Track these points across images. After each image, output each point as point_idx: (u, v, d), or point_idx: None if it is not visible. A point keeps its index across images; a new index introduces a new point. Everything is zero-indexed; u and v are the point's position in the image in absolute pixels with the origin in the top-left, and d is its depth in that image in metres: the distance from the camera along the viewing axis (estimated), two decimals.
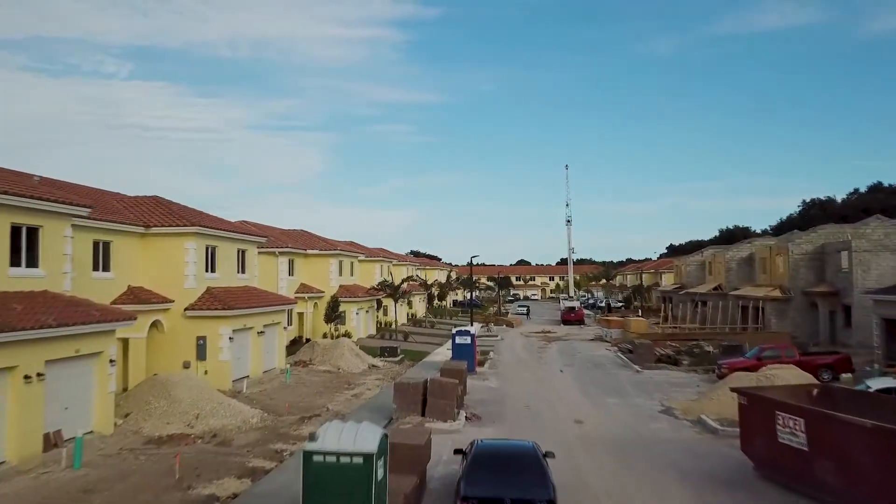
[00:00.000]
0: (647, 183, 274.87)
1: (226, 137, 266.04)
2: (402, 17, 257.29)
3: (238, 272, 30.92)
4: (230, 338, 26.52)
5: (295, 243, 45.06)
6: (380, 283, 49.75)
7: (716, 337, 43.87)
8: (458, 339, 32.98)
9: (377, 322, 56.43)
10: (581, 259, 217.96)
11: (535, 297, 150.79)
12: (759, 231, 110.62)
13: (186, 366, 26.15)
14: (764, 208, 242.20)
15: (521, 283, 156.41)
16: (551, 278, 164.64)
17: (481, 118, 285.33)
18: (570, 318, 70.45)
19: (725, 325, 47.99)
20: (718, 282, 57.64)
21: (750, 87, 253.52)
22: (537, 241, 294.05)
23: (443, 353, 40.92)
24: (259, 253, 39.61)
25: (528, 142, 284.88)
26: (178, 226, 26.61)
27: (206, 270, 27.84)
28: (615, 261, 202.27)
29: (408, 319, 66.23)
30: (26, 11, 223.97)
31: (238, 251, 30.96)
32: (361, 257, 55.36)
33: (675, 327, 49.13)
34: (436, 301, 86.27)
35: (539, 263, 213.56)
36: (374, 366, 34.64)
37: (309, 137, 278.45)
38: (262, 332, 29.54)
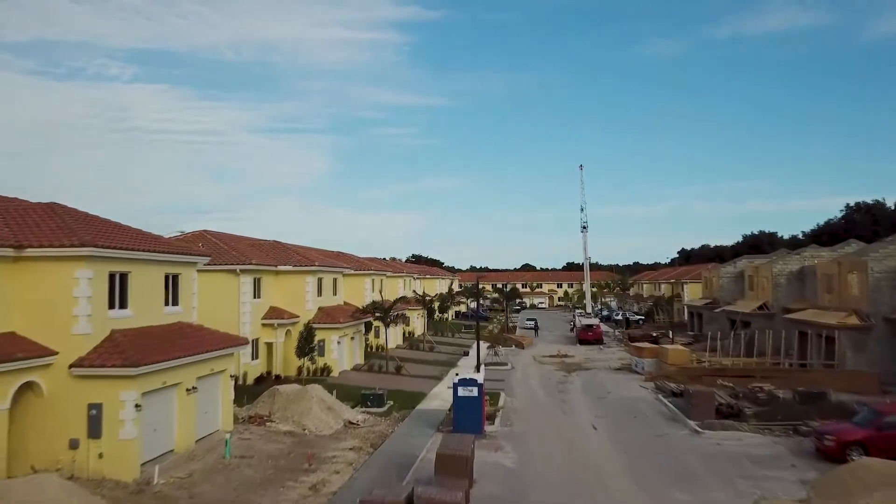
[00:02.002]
0: (652, 185, 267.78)
1: (229, 140, 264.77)
2: (405, 20, 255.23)
3: (166, 305, 23.06)
4: (137, 405, 18.63)
5: (263, 258, 37.19)
6: (367, 306, 41.76)
7: (777, 374, 35.84)
8: (462, 391, 25.05)
9: (366, 347, 48.55)
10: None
11: (542, 305, 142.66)
12: (785, 237, 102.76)
13: (74, 445, 18.32)
14: (785, 211, 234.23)
15: (528, 289, 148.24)
16: (559, 285, 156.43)
17: (485, 121, 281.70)
18: (588, 337, 62.47)
19: (784, 359, 39.90)
20: (763, 299, 49.61)
21: (769, 86, 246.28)
22: (543, 246, 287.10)
23: (443, 396, 33.07)
24: (213, 271, 31.98)
25: (532, 145, 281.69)
26: (63, 246, 18.74)
27: (111, 307, 19.99)
28: (620, 264, 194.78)
29: (404, 339, 58.33)
30: (31, 15, 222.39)
31: (166, 277, 23.10)
32: (348, 271, 47.55)
33: (710, 359, 41.02)
34: (437, 314, 78.39)
35: (544, 268, 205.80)
36: (351, 423, 26.70)
37: (313, 140, 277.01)
38: (193, 388, 21.65)
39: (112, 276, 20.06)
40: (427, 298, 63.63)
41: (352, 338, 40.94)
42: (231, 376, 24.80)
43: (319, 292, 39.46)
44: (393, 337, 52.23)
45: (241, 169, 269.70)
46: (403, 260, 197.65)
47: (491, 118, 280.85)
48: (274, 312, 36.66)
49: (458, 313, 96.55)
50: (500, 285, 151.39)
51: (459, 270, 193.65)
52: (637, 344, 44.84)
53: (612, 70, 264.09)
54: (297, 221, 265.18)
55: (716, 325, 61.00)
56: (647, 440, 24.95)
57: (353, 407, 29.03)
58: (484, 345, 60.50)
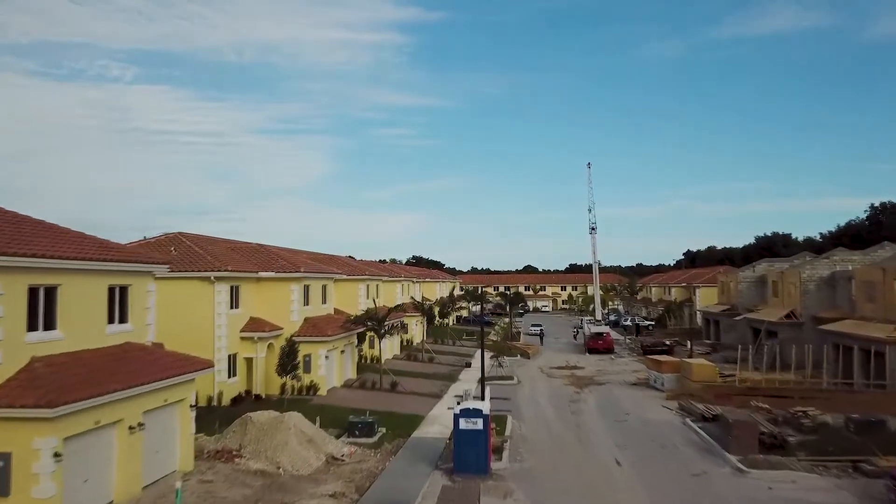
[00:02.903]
0: (654, 186, 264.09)
1: (231, 141, 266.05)
2: (406, 21, 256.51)
3: (110, 323, 19.28)
4: (56, 454, 14.84)
5: (242, 263, 33.41)
6: (359, 316, 37.87)
7: (819, 395, 31.96)
8: (465, 424, 21.21)
9: (360, 359, 44.78)
10: (590, 265, 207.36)
11: (546, 309, 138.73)
12: (800, 238, 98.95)
13: None
14: (790, 212, 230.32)
15: (531, 292, 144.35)
16: (563, 288, 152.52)
17: (485, 122, 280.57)
18: (599, 346, 58.61)
19: (826, 377, 35.93)
20: (790, 307, 45.75)
21: (770, 87, 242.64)
22: (545, 247, 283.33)
23: (443, 419, 29.29)
24: (183, 279, 28.34)
25: (532, 146, 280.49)
26: None
27: (31, 328, 16.23)
28: (623, 265, 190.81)
29: (402, 348, 54.55)
30: (32, 16, 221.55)
31: (111, 290, 19.33)
32: (340, 276, 43.76)
33: (741, 376, 37.10)
34: (437, 319, 74.58)
35: (546, 269, 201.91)
36: (335, 458, 22.87)
37: (314, 141, 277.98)
38: (139, 425, 17.84)
39: (33, 291, 16.28)
40: (426, 305, 59.83)
41: (342, 351, 37.12)
42: (192, 406, 20.99)
43: (306, 301, 35.66)
44: (389, 347, 48.51)
45: (241, 170, 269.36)
46: (403, 261, 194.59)
47: (491, 119, 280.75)
48: (254, 324, 32.88)
49: (459, 318, 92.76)
50: (502, 288, 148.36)
51: (460, 272, 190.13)
52: (655, 357, 40.94)
53: (613, 71, 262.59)
54: (297, 222, 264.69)
55: (734, 334, 57.31)
56: (683, 481, 21.11)
57: (338, 437, 25.22)
58: (486, 354, 56.78)
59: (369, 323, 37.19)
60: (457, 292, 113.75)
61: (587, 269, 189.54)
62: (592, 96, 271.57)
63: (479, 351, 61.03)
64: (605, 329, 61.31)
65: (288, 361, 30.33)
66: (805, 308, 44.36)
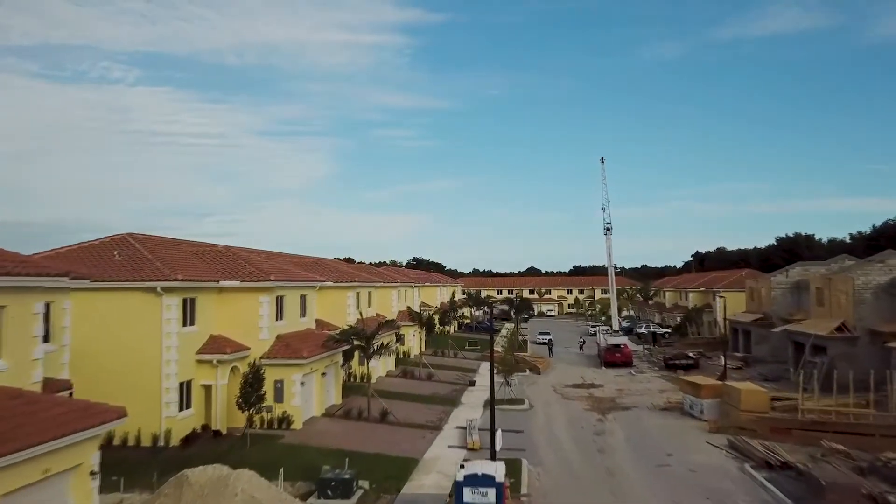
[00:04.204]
0: (657, 186, 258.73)
1: (232, 143, 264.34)
2: (407, 22, 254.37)
3: None
4: None
5: (201, 271, 27.72)
6: (342, 332, 31.89)
7: None
8: (471, 496, 15.48)
9: (348, 378, 39.12)
10: (594, 266, 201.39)
11: (551, 313, 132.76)
12: (823, 239, 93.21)
13: None
14: (794, 212, 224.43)
15: (535, 296, 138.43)
16: (569, 291, 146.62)
17: (486, 123, 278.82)
18: (616, 359, 52.83)
19: (892, 402, 30.08)
20: (839, 318, 39.92)
21: (769, 89, 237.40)
22: (548, 248, 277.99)
23: (442, 464, 23.66)
24: (123, 290, 22.88)
25: (535, 146, 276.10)
26: None
27: None
28: (627, 267, 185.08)
29: (397, 363, 48.81)
30: (35, 18, 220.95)
31: None
32: (325, 283, 38.10)
33: (804, 405, 31.22)
34: (437, 326, 68.83)
35: (549, 271, 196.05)
36: None
37: (315, 143, 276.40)
38: None
39: None
40: (424, 313, 54.11)
41: (323, 373, 31.36)
42: (93, 473, 15.23)
43: (279, 314, 29.93)
44: (383, 363, 42.77)
45: (242, 171, 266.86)
46: (404, 263, 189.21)
47: (492, 120, 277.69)
48: (214, 344, 27.15)
49: (461, 324, 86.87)
50: (506, 292, 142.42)
51: (461, 274, 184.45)
52: (690, 378, 35.05)
53: (614, 72, 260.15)
54: (298, 224, 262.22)
55: (766, 346, 51.64)
56: None
57: (305, 497, 19.49)
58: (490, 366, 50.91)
59: (355, 341, 31.39)
60: (458, 296, 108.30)
61: (592, 271, 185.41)
62: (593, 97, 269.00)
63: (482, 364, 55.62)
64: (622, 340, 55.50)
65: (251, 392, 24.60)
66: (859, 320, 38.58)
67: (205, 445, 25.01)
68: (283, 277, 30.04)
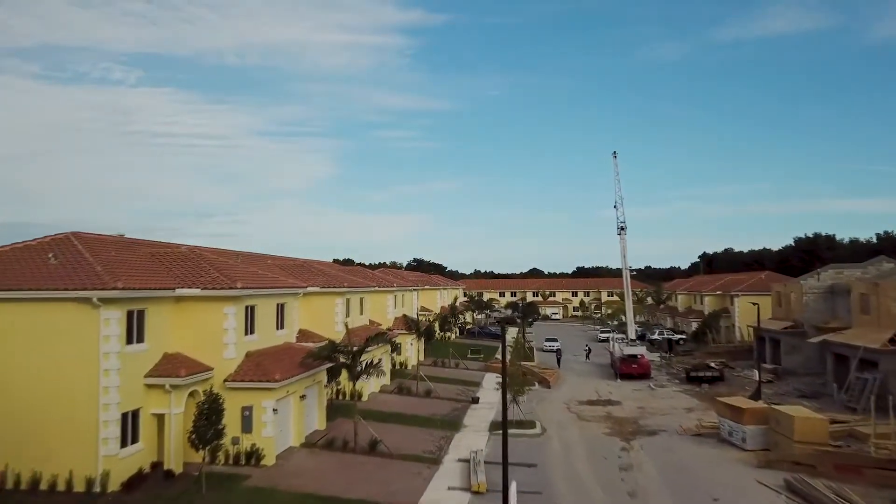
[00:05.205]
0: (658, 186, 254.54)
1: (233, 144, 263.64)
2: (408, 24, 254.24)
3: None
4: None
5: (153, 277, 23.24)
6: (322, 349, 27.14)
7: None
8: None
9: (335, 395, 34.67)
10: (598, 267, 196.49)
11: (556, 316, 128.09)
12: (845, 240, 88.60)
13: None
14: (796, 213, 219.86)
15: (539, 298, 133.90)
16: (574, 294, 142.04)
17: (488, 124, 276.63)
18: (633, 371, 48.32)
19: None
20: (891, 328, 35.37)
21: (767, 89, 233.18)
22: (550, 249, 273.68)
23: None
24: (48, 301, 18.52)
25: (535, 146, 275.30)
26: None
27: None
28: (631, 268, 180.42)
29: (393, 375, 44.26)
30: (36, 20, 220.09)
31: None
32: (310, 289, 33.67)
33: (877, 437, 26.66)
34: (437, 333, 64.37)
35: (552, 272, 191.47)
36: None
37: (316, 144, 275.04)
38: None
39: None
40: (424, 319, 49.66)
41: (302, 396, 26.80)
42: None
43: (250, 328, 25.46)
44: (375, 379, 38.26)
45: (243, 172, 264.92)
46: (404, 264, 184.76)
47: (494, 121, 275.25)
48: (168, 365, 22.62)
49: (463, 329, 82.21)
50: (509, 294, 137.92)
51: (463, 276, 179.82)
52: (728, 400, 30.27)
53: (614, 72, 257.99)
54: (299, 225, 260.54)
55: (799, 358, 47.15)
56: None
57: None
58: (494, 378, 46.30)
59: (340, 358, 26.77)
60: (461, 299, 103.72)
61: (595, 272, 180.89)
62: (593, 97, 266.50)
63: (486, 376, 51.08)
64: (639, 350, 50.89)
65: (207, 426, 20.06)
66: None
67: (152, 489, 20.51)
68: (255, 284, 25.52)
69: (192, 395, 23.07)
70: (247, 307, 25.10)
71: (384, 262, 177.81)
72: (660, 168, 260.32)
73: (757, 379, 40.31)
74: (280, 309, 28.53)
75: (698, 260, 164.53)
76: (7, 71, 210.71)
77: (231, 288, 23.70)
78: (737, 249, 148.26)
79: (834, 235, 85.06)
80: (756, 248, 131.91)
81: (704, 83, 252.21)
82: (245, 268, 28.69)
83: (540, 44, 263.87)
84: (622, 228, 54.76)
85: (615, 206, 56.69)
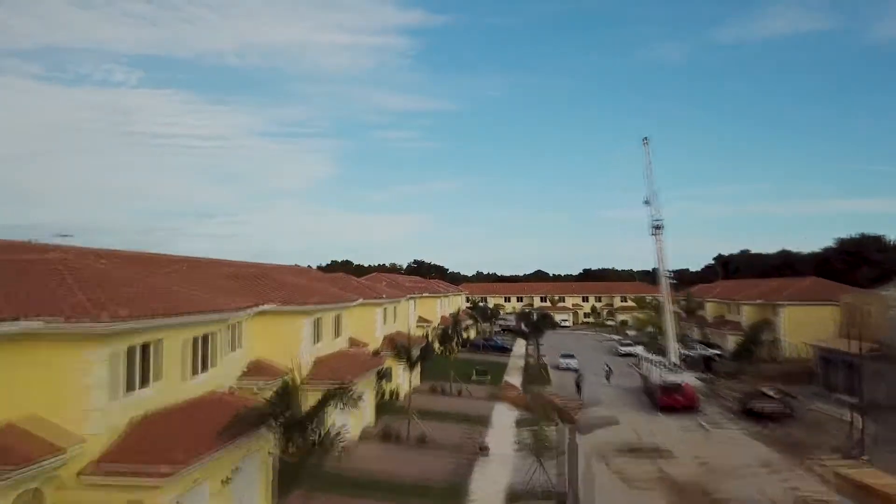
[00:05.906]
0: (663, 187, 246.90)
1: (234, 144, 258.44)
2: (409, 24, 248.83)
3: None
4: None
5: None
6: (248, 413, 17.68)
7: None
8: None
9: (304, 446, 25.55)
10: (604, 269, 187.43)
11: (566, 324, 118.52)
12: (891, 239, 79.47)
13: None
14: (799, 213, 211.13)
15: (548, 304, 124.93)
16: (585, 299, 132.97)
17: (489, 125, 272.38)
18: (676, 403, 39.29)
19: None
20: None
21: (767, 89, 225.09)
22: (554, 249, 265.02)
23: None
24: None
25: (535, 146, 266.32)
26: None
27: None
28: (635, 269, 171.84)
29: (378, 412, 35.28)
30: (37, 21, 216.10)
31: None
32: (267, 307, 24.86)
33: None
34: (437, 345, 55.52)
35: (558, 274, 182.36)
36: None
37: (316, 144, 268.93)
38: None
39: None
40: (417, 342, 40.76)
41: (224, 480, 17.75)
42: None
43: (145, 379, 16.53)
44: (357, 418, 29.41)
45: (244, 172, 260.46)
46: (404, 266, 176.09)
47: (494, 121, 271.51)
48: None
49: (466, 342, 73.14)
50: (514, 300, 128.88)
51: (465, 278, 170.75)
52: (853, 474, 21.06)
53: (615, 73, 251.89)
54: (299, 226, 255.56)
55: (883, 387, 38.05)
56: None
57: None
58: (506, 410, 36.72)
59: (278, 422, 17.59)
60: (464, 306, 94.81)
61: (602, 274, 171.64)
62: (594, 97, 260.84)
63: (496, 407, 42.05)
64: (682, 377, 41.73)
65: None
66: None
67: None
68: (147, 312, 16.52)
69: (33, 496, 14.15)
70: (135, 347, 16.16)
71: (384, 264, 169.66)
72: (660, 168, 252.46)
73: (848, 420, 31.34)
74: (208, 341, 19.59)
75: (713, 262, 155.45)
76: (8, 71, 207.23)
77: (98, 321, 14.73)
78: (754, 251, 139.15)
79: (882, 236, 75.97)
80: (772, 251, 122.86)
81: (704, 83, 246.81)
82: (156, 282, 19.77)
83: (540, 44, 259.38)
84: (657, 227, 45.75)
85: (646, 202, 47.77)
